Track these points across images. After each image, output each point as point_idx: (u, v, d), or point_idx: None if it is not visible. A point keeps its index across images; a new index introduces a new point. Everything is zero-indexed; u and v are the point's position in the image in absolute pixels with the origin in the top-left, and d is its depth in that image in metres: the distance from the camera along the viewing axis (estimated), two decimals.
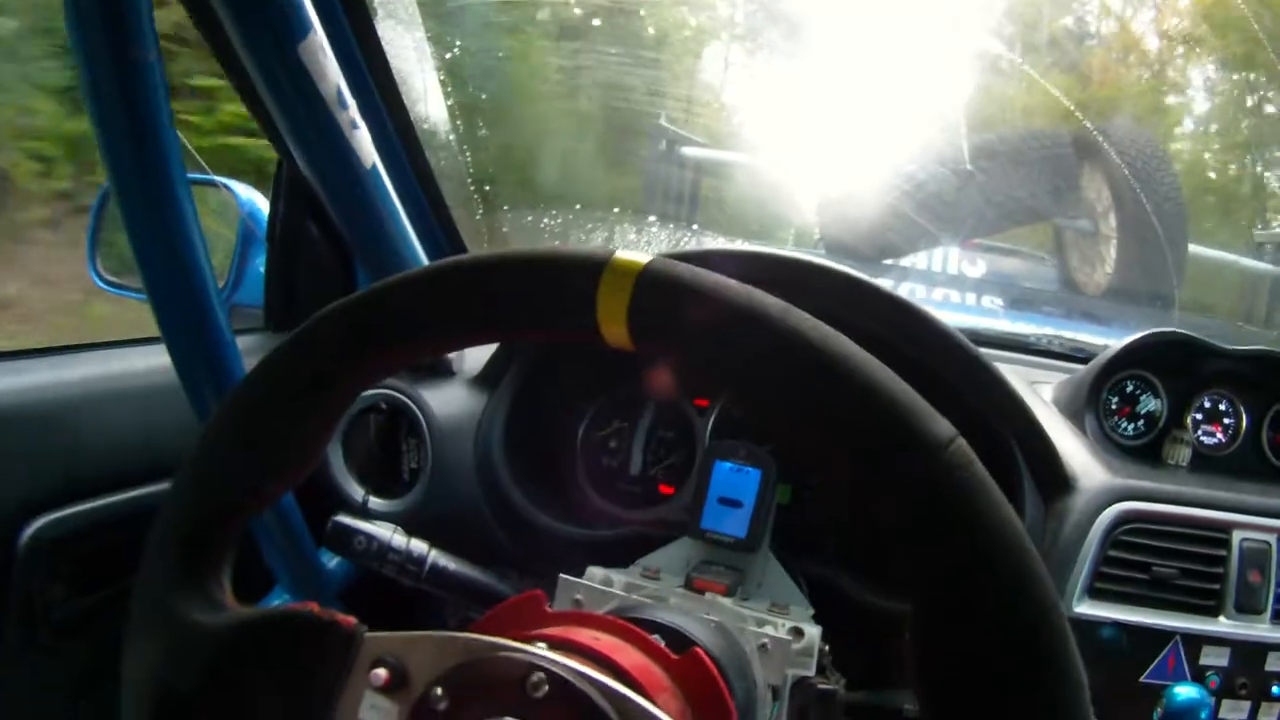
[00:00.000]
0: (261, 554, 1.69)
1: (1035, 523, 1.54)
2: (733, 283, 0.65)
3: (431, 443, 1.64)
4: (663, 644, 0.77)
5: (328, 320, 0.75)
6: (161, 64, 1.20)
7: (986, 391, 1.50)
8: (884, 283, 1.48)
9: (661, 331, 0.65)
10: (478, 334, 0.76)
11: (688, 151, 4.99)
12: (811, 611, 1.19)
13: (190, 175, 1.75)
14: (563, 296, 0.67)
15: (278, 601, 1.73)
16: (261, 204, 1.97)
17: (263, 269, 1.97)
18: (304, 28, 1.35)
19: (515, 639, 0.65)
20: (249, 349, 1.77)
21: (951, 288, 4.67)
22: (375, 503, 1.66)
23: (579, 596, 1.08)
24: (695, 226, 4.33)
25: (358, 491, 1.67)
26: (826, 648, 1.10)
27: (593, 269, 0.65)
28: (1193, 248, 5.42)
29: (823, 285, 1.48)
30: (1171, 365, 1.78)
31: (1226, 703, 1.50)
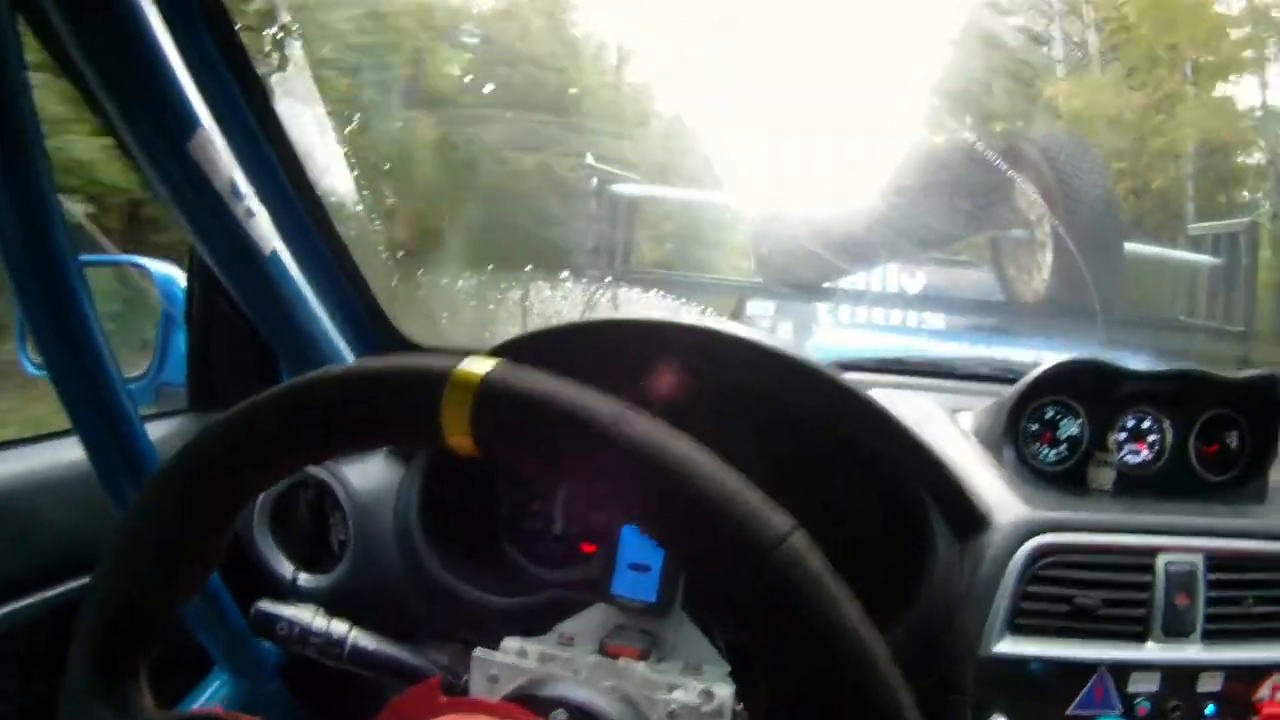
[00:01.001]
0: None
1: (950, 563, 1.53)
2: (568, 391, 0.68)
3: (353, 517, 1.63)
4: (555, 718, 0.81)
5: (207, 437, 0.76)
6: (43, 145, 1.20)
7: (883, 438, 1.50)
8: (783, 331, 1.49)
9: (502, 442, 0.68)
10: (337, 448, 0.80)
11: (620, 189, 4.99)
12: (727, 670, 1.17)
13: (95, 257, 1.74)
14: (408, 411, 0.70)
15: (217, 683, 1.77)
16: (182, 281, 1.97)
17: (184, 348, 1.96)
18: (191, 124, 1.36)
19: None
20: (172, 431, 1.82)
21: (892, 306, 4.70)
22: (305, 579, 1.66)
23: (494, 672, 1.07)
24: (609, 279, 4.33)
25: (287, 569, 1.66)
26: (740, 706, 1.09)
27: (435, 383, 0.68)
28: (1131, 246, 5.48)
29: (691, 346, 1.49)
30: (1090, 389, 1.76)
31: None
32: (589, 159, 4.88)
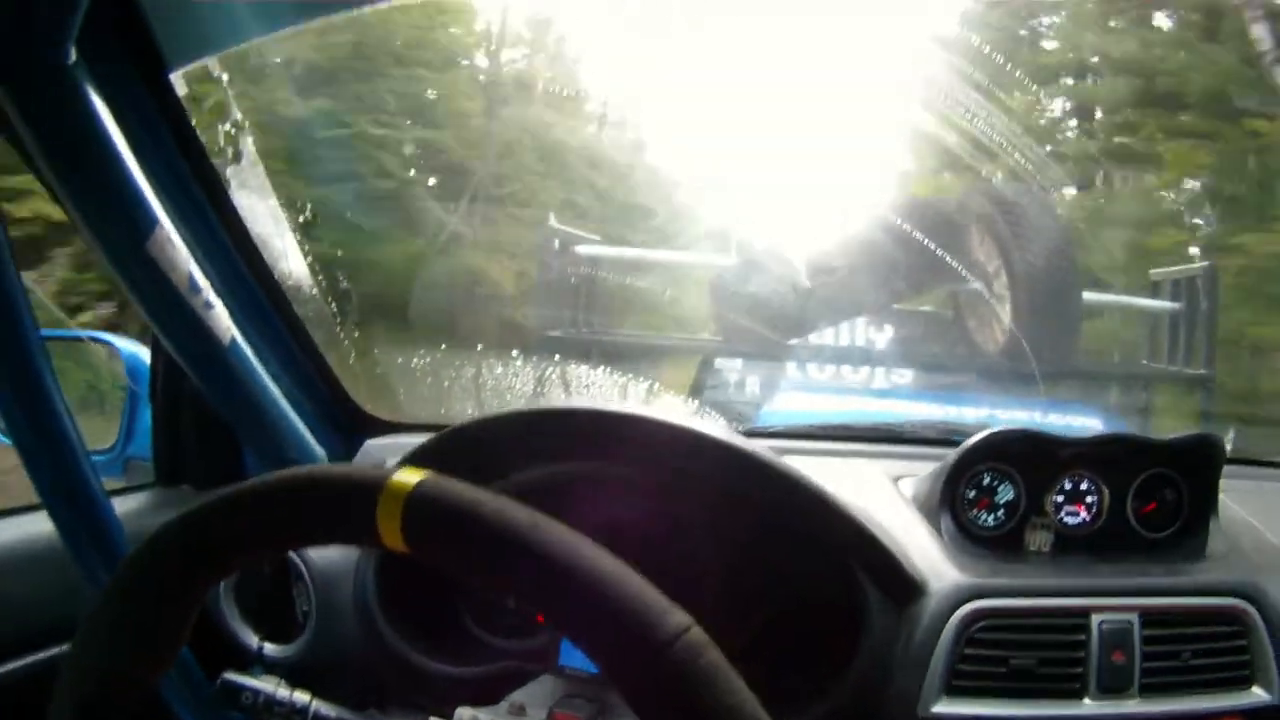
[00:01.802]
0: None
1: (887, 629, 1.57)
2: (489, 501, 0.73)
3: (314, 588, 1.68)
4: None
5: (169, 534, 0.82)
6: (4, 225, 1.25)
7: (814, 512, 1.54)
8: (717, 424, 1.53)
9: (431, 547, 0.74)
10: (286, 547, 0.85)
11: (582, 250, 5.06)
12: None
13: (58, 332, 1.78)
14: (348, 517, 0.76)
15: None
16: (147, 358, 2.01)
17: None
18: (149, 223, 1.41)
19: None
20: (140, 505, 1.88)
21: (852, 363, 4.75)
22: (270, 649, 1.71)
23: None
24: (557, 357, 4.36)
25: (253, 639, 1.71)
26: None
27: (371, 492, 0.74)
28: (1092, 295, 5.54)
29: (621, 435, 1.54)
30: (1026, 454, 1.81)
31: None
32: (551, 221, 4.91)
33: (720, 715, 0.65)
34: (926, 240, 4.23)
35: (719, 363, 4.55)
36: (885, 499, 1.85)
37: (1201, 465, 1.80)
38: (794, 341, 4.61)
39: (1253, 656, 1.62)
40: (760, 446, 1.54)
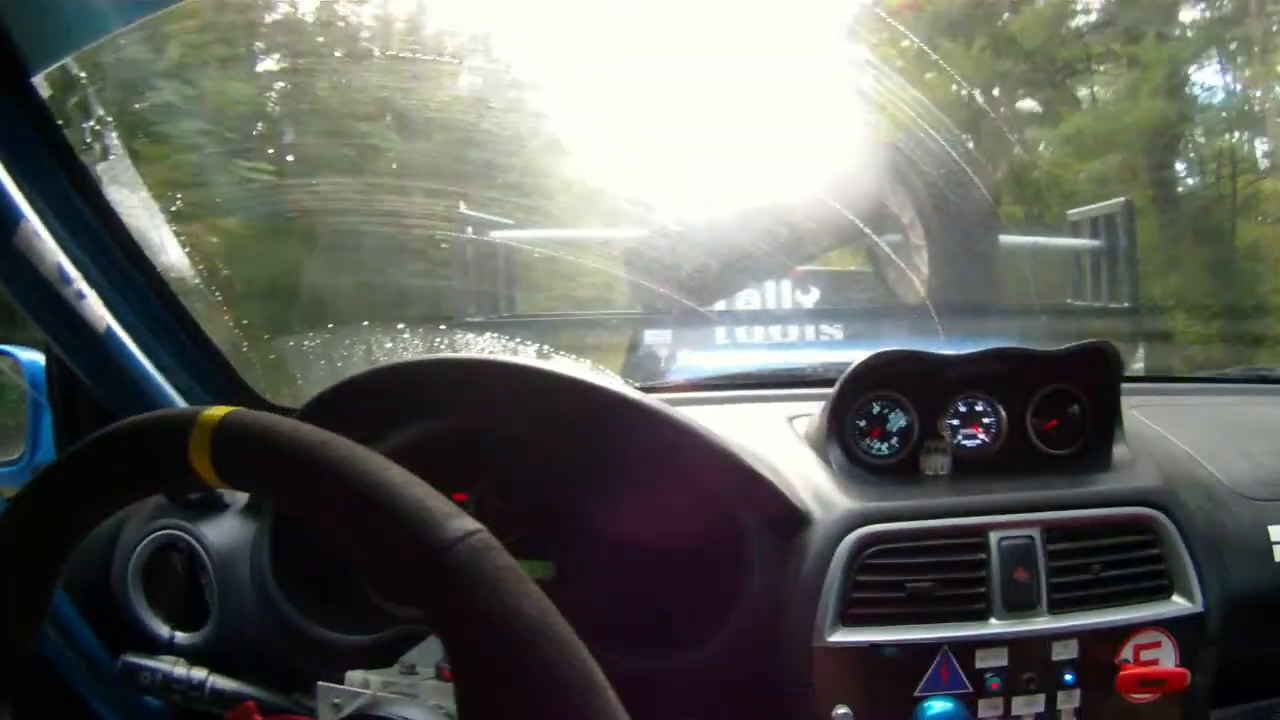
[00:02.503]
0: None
1: (773, 561, 1.55)
2: (284, 424, 0.74)
3: (215, 574, 1.66)
4: None
5: (13, 507, 0.82)
6: None
7: (690, 452, 1.53)
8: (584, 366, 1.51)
9: (238, 475, 0.76)
10: (115, 499, 0.85)
11: (496, 235, 5.01)
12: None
13: None
14: (164, 456, 0.77)
15: None
16: None
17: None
18: (14, 218, 1.41)
19: None
20: None
21: (779, 323, 4.72)
22: (181, 638, 1.67)
23: (336, 700, 1.14)
24: (444, 325, 4.32)
25: (163, 629, 1.67)
26: None
27: (182, 428, 0.75)
28: (1011, 239, 5.54)
29: (499, 383, 1.53)
30: (914, 379, 1.78)
31: (1018, 700, 1.52)
32: (461, 208, 4.86)
33: (503, 616, 0.64)
34: (837, 198, 4.20)
35: (637, 333, 4.54)
36: (777, 437, 1.82)
37: (1099, 376, 1.77)
38: (713, 306, 4.57)
39: (1168, 565, 1.59)
40: (637, 392, 1.52)
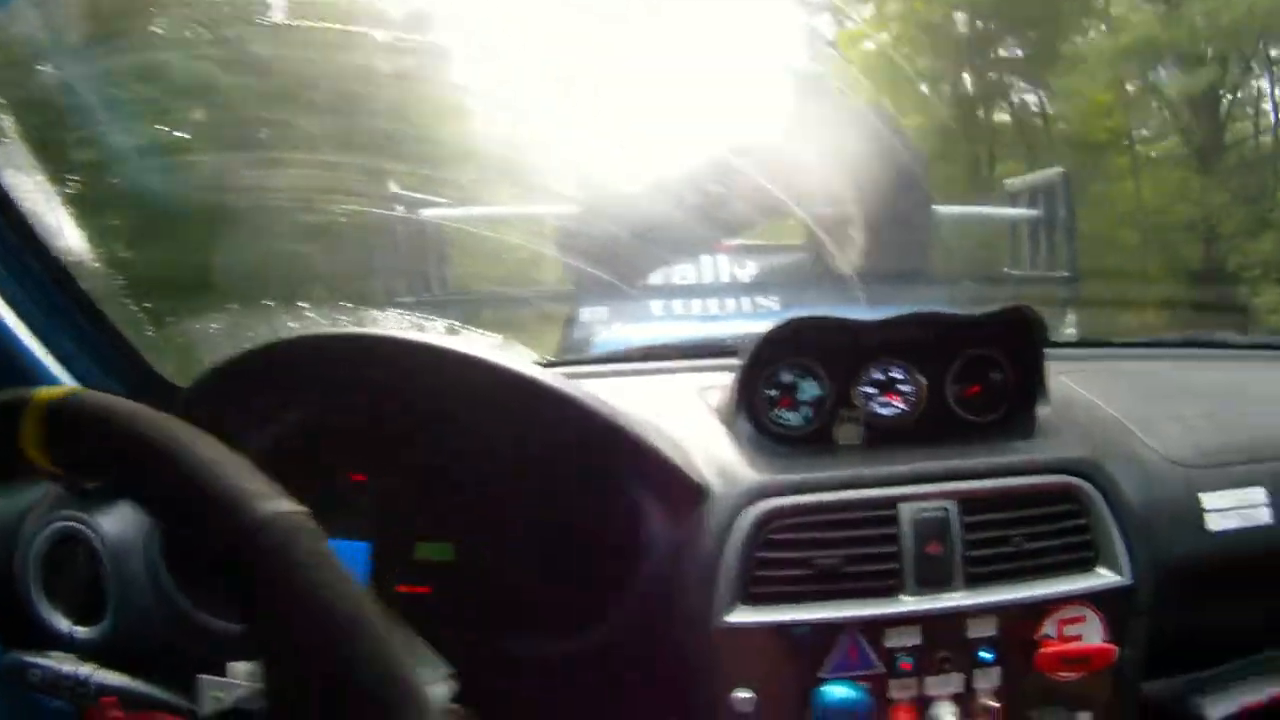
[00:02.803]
0: None
1: (668, 539, 1.50)
2: (119, 405, 0.72)
3: (110, 565, 1.59)
4: None
5: None
6: None
7: (579, 426, 1.48)
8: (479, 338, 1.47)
9: (63, 456, 0.73)
10: None
11: (429, 214, 4.96)
12: (446, 672, 1.18)
13: None
14: None
15: None
16: None
17: None
18: None
19: None
20: None
21: (719, 296, 4.70)
22: (81, 632, 1.61)
23: (218, 693, 1.13)
24: (349, 304, 4.29)
25: (63, 624, 1.61)
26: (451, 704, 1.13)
27: (14, 410, 0.72)
28: (950, 209, 5.54)
29: (372, 358, 1.49)
30: (827, 347, 1.71)
31: (932, 680, 1.46)
32: (392, 187, 4.81)
33: (308, 600, 0.63)
34: (765, 170, 4.17)
35: (568, 310, 4.52)
36: (685, 409, 1.75)
37: (1021, 340, 1.71)
38: (644, 282, 4.54)
39: (1094, 537, 1.53)
40: (525, 365, 1.47)
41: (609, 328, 4.31)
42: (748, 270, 5.12)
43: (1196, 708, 1.66)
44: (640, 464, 1.50)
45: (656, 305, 4.59)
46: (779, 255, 5.39)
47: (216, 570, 0.66)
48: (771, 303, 4.70)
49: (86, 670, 1.43)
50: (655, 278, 4.66)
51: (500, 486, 1.60)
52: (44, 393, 0.72)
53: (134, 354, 1.94)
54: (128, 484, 0.73)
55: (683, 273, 4.91)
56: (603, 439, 1.47)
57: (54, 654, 1.45)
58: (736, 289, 4.83)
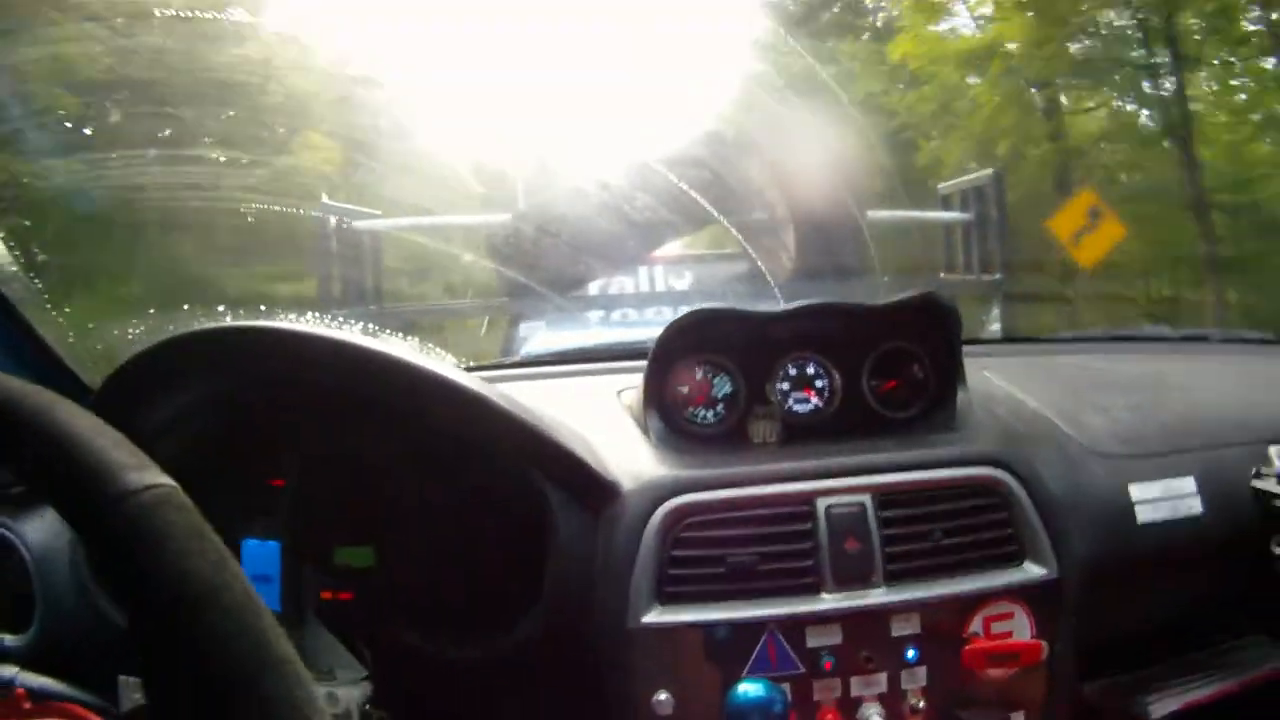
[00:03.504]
0: None
1: (580, 538, 1.47)
2: None
3: (36, 572, 1.58)
4: None
5: None
6: None
7: (490, 426, 1.45)
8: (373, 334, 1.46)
9: None
10: None
11: (361, 225, 4.93)
12: (362, 674, 1.19)
13: None
14: None
15: None
16: None
17: None
18: None
19: None
20: None
21: (648, 305, 4.69)
22: (9, 639, 1.60)
23: (137, 695, 1.14)
24: (263, 307, 4.28)
25: None
26: (367, 706, 1.16)
27: None
28: (881, 213, 5.56)
29: (278, 351, 1.43)
30: (739, 342, 1.69)
31: (856, 680, 1.43)
32: (324, 198, 4.78)
33: (171, 576, 0.61)
34: (699, 179, 4.17)
35: (497, 319, 4.54)
36: (600, 409, 1.74)
37: (936, 331, 1.69)
38: (576, 292, 4.55)
39: (1017, 530, 1.51)
40: (435, 365, 1.43)
41: (535, 336, 4.32)
42: (684, 280, 5.12)
43: (1139, 707, 1.64)
44: (552, 464, 1.47)
45: (593, 315, 4.58)
46: (715, 264, 5.40)
47: (87, 541, 0.68)
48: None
49: (9, 672, 1.42)
50: (591, 288, 4.65)
51: (418, 490, 1.58)
52: None
53: (55, 359, 1.90)
54: (3, 457, 0.69)
55: (620, 284, 4.90)
56: (517, 440, 1.45)
57: None
58: (667, 297, 4.82)
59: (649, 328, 4.39)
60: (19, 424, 0.67)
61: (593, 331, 4.44)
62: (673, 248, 4.98)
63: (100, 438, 0.67)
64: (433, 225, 5.35)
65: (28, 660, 1.48)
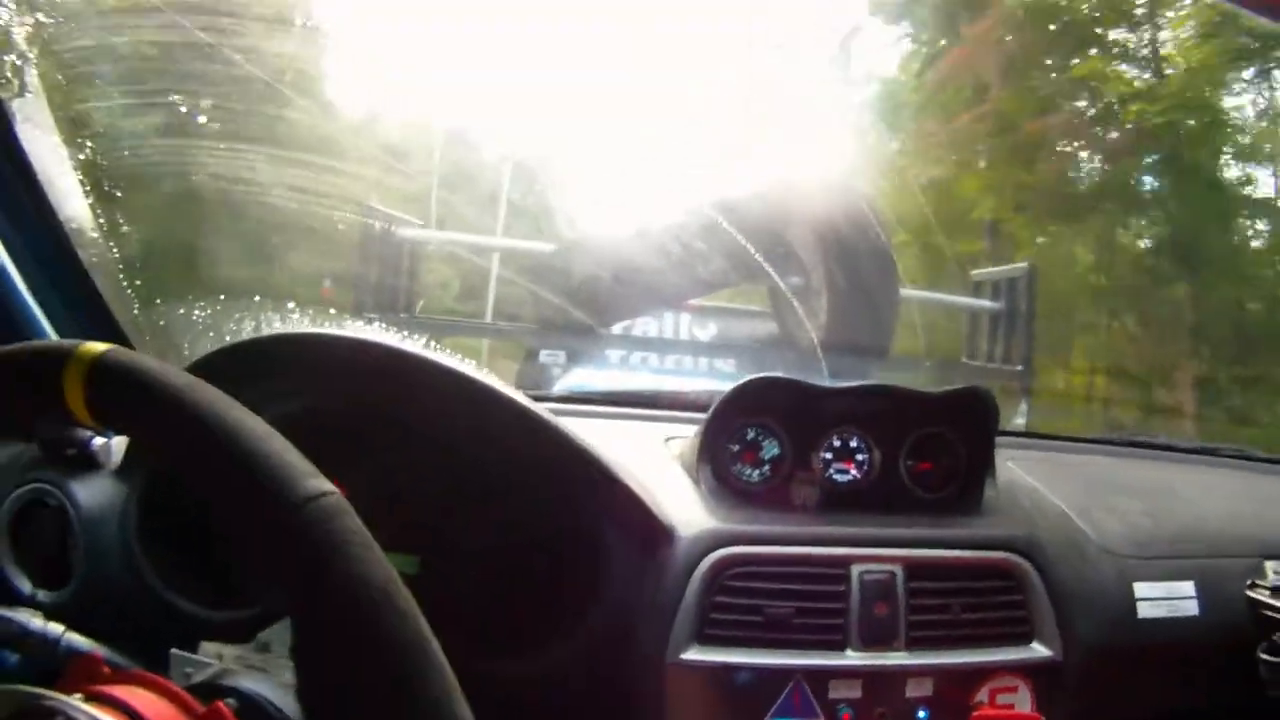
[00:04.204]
0: None
1: (630, 576, 1.55)
2: (157, 368, 0.74)
3: (81, 533, 1.61)
4: (227, 704, 0.81)
5: None
6: None
7: (556, 455, 1.52)
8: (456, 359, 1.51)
9: (109, 414, 0.75)
10: None
11: (404, 232, 5.01)
12: None
13: None
14: (35, 386, 0.75)
15: None
16: None
17: None
18: None
19: (64, 691, 0.71)
20: None
21: (680, 352, 4.75)
22: (44, 595, 1.62)
23: (188, 670, 1.10)
24: (333, 311, 4.33)
25: (25, 584, 1.62)
26: None
27: (59, 359, 0.74)
28: (916, 292, 5.62)
29: (384, 368, 1.50)
30: (789, 409, 1.78)
31: None
32: (372, 201, 4.82)
33: (348, 580, 0.65)
34: (744, 233, 4.22)
35: (531, 345, 4.57)
36: (650, 454, 1.82)
37: (974, 421, 1.79)
38: (609, 329, 4.59)
39: (1030, 612, 1.61)
40: (517, 395, 1.51)
41: (568, 369, 4.35)
42: (708, 330, 5.17)
43: None
44: (613, 501, 1.55)
45: (614, 354, 4.62)
46: (740, 319, 5.45)
47: (250, 541, 0.69)
48: (728, 365, 4.76)
49: (56, 630, 1.44)
50: (618, 327, 4.70)
51: (470, 506, 1.64)
52: (89, 347, 0.73)
53: (118, 330, 1.96)
54: (168, 446, 0.74)
55: (642, 325, 4.96)
56: (578, 472, 1.52)
57: (21, 609, 1.50)
58: (698, 348, 4.88)
59: (677, 376, 4.47)
60: (196, 423, 0.70)
61: (618, 372, 4.49)
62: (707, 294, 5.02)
63: (275, 441, 0.70)
64: (475, 244, 5.38)
65: (60, 616, 1.47)
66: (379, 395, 1.55)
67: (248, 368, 1.54)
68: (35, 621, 1.42)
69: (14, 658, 1.60)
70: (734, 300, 5.55)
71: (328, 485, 0.69)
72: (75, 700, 0.70)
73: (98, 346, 0.74)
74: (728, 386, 1.81)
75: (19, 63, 1.80)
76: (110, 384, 0.73)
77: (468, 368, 1.50)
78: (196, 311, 2.49)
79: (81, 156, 1.99)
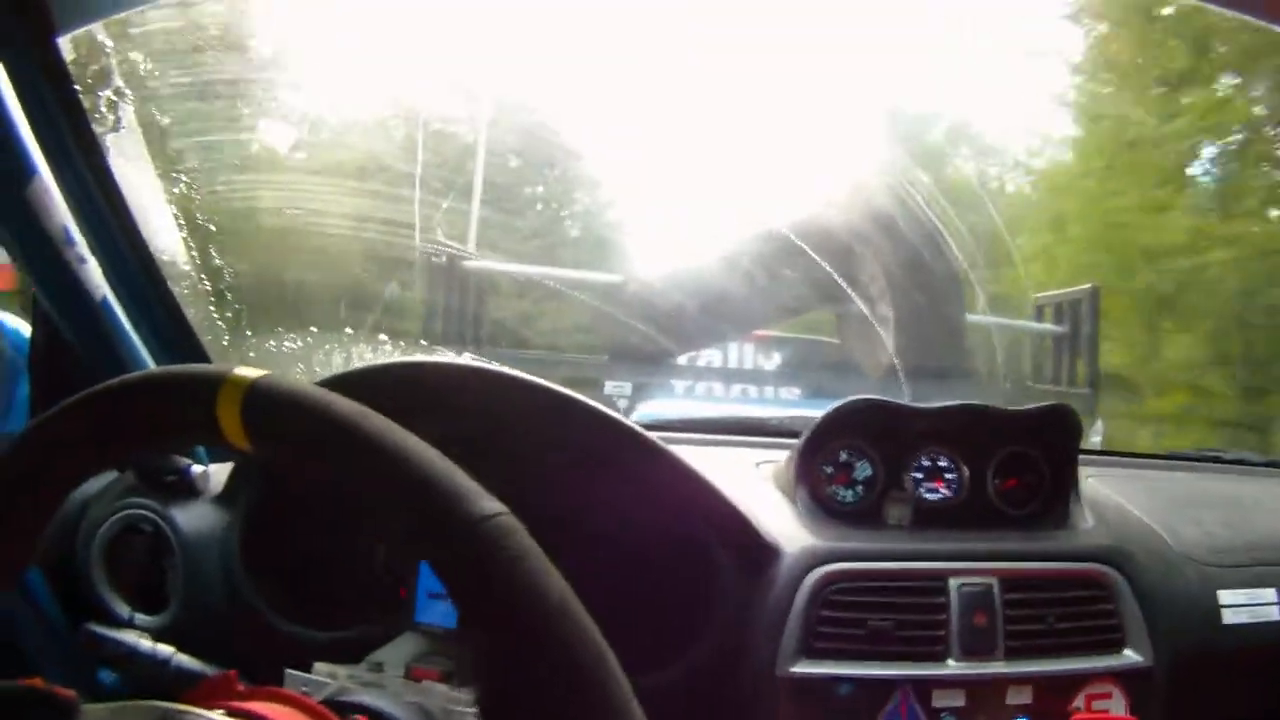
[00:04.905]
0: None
1: (739, 594, 1.60)
2: (320, 394, 0.75)
3: (182, 559, 1.66)
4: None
5: (16, 442, 0.81)
6: None
7: (668, 477, 1.58)
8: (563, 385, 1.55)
9: (268, 439, 0.75)
10: (130, 445, 0.88)
11: (472, 265, 5.09)
12: None
13: None
14: (190, 410, 0.76)
15: None
16: (27, 331, 1.92)
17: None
18: (28, 171, 1.45)
19: (207, 707, 0.74)
20: None
21: (744, 382, 4.78)
22: (140, 619, 1.66)
23: (304, 689, 1.12)
24: (424, 342, 4.37)
25: (123, 609, 1.66)
26: None
27: (213, 384, 0.74)
28: (978, 318, 5.60)
29: (483, 388, 1.58)
30: (880, 431, 1.84)
31: None
32: (438, 234, 4.86)
33: (528, 594, 0.67)
34: (815, 260, 4.24)
35: (602, 377, 4.60)
36: (746, 479, 1.87)
37: (1058, 438, 1.84)
38: (679, 360, 4.62)
39: (1122, 620, 1.65)
40: (635, 425, 1.57)
41: (635, 401, 4.38)
42: (772, 360, 5.19)
43: None
44: (723, 523, 1.60)
45: (685, 383, 4.65)
46: (803, 347, 5.47)
47: (430, 559, 0.70)
48: (797, 392, 4.79)
49: (166, 650, 1.52)
50: (683, 358, 4.73)
51: (584, 530, 1.66)
52: (243, 372, 0.74)
53: (206, 358, 2.01)
54: (336, 468, 0.74)
55: (711, 356, 4.99)
56: (689, 494, 1.58)
57: (128, 631, 1.54)
58: (766, 376, 4.89)
59: (748, 404, 4.49)
60: (366, 446, 0.72)
61: (682, 401, 4.51)
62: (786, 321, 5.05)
63: (445, 462, 0.72)
64: (543, 275, 5.42)
65: (158, 640, 1.55)
66: (499, 420, 1.60)
67: (378, 393, 1.59)
68: (144, 643, 1.50)
69: (111, 677, 1.67)
70: (796, 330, 5.57)
71: (499, 505, 0.70)
72: (219, 715, 0.74)
73: (251, 372, 0.76)
74: (805, 412, 1.86)
75: (115, 98, 1.86)
76: (268, 409, 0.75)
77: (584, 396, 1.55)
78: (287, 343, 2.55)
79: (176, 190, 2.05)
